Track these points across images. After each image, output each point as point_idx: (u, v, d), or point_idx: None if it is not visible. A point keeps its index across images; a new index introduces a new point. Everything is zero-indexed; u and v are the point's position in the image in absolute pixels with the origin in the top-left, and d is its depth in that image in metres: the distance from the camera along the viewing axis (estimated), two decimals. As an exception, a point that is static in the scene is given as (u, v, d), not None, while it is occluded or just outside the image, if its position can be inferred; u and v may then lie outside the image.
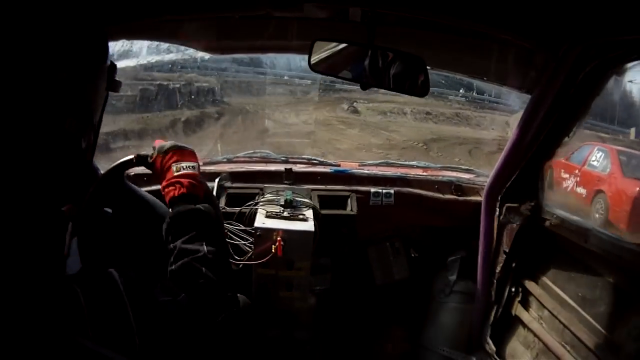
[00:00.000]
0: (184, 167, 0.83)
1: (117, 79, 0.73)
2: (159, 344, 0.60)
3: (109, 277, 0.58)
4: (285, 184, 1.74)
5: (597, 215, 4.70)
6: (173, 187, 0.81)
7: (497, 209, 1.57)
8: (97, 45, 0.63)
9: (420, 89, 1.16)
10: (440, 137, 7.43)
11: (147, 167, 0.89)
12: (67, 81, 0.56)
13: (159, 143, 0.88)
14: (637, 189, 4.73)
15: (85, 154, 0.64)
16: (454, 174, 1.94)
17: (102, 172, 0.95)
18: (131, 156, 0.92)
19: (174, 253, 0.73)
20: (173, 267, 0.71)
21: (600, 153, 5.02)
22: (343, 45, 1.14)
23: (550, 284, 1.41)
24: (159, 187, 1.48)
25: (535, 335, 1.43)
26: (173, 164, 0.83)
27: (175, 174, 0.82)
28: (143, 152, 0.89)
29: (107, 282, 0.58)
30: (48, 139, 0.55)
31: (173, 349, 0.62)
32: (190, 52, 1.43)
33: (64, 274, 0.64)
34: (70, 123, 0.57)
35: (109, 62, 0.68)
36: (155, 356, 0.59)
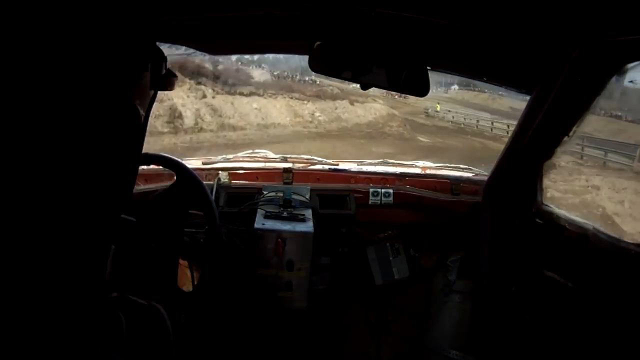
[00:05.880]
0: None
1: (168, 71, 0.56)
2: None
3: (155, 311, 0.57)
4: (284, 183, 1.74)
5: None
6: None
7: (497, 208, 1.57)
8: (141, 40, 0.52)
9: (420, 89, 1.16)
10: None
11: None
12: (109, 87, 0.46)
13: None
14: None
15: (132, 168, 0.55)
16: (453, 173, 1.94)
17: None
18: None
19: None
20: None
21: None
22: (343, 45, 1.14)
23: (550, 283, 1.41)
24: (155, 187, 1.50)
25: (535, 334, 1.43)
26: None
27: None
28: None
29: (154, 316, 0.56)
30: (91, 154, 0.46)
31: None
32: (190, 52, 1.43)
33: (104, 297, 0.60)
34: (114, 133, 0.47)
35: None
36: None
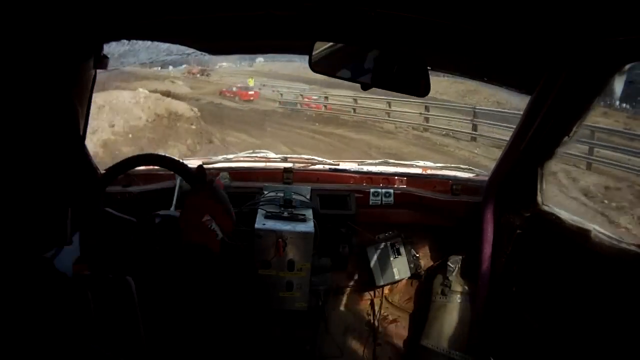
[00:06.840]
0: None
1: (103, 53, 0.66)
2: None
3: (124, 284, 0.58)
4: (285, 183, 1.74)
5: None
6: None
7: (497, 209, 1.57)
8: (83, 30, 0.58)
9: (420, 89, 1.16)
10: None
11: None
12: (53, 69, 0.52)
13: None
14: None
15: (82, 139, 0.61)
16: (454, 173, 1.94)
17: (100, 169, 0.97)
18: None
19: None
20: None
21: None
22: (343, 45, 1.15)
23: (550, 283, 1.41)
24: (155, 187, 1.51)
25: (535, 334, 1.43)
26: None
27: None
28: None
29: (121, 288, 0.58)
30: (43, 128, 0.52)
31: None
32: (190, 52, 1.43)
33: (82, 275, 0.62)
34: (64, 110, 0.52)
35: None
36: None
